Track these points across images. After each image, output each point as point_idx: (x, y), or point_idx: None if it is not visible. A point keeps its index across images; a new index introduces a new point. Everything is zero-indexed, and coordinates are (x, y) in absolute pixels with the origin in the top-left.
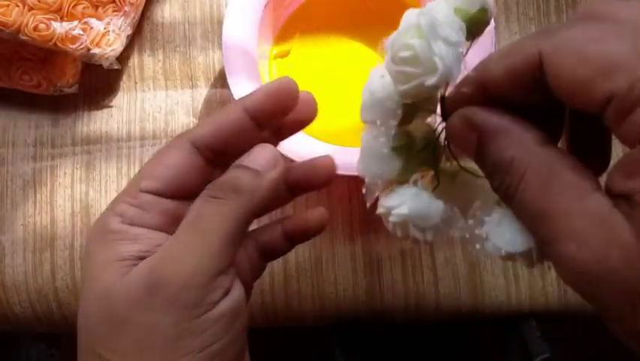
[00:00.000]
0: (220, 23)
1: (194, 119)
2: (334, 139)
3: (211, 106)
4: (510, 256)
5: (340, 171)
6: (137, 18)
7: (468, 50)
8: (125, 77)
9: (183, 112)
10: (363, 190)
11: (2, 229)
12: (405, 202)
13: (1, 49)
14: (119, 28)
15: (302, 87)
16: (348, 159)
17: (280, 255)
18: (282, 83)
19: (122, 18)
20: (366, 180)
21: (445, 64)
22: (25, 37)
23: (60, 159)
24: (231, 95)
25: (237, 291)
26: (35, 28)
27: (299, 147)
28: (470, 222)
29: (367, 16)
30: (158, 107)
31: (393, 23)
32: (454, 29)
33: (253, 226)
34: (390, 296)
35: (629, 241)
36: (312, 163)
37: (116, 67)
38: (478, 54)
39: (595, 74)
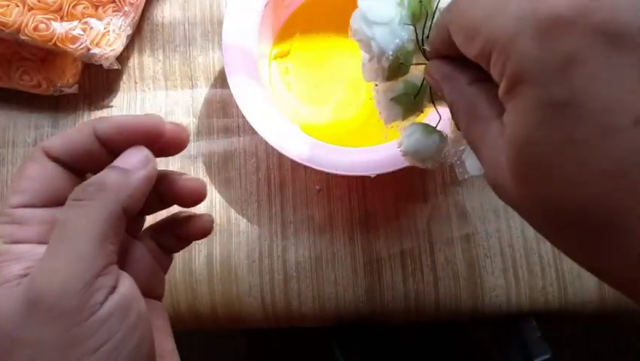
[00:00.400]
0: (220, 23)
1: (194, 119)
2: (334, 139)
3: (211, 106)
4: (476, 178)
5: (340, 171)
6: (137, 18)
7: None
8: (125, 77)
9: (183, 112)
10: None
11: None
12: (403, 141)
13: (1, 49)
14: (119, 28)
15: (301, 87)
16: (347, 158)
17: (179, 249)
18: (141, 119)
19: (122, 18)
20: (386, 125)
21: (378, 44)
22: (25, 38)
23: None
24: (231, 95)
25: (125, 287)
26: (35, 28)
27: (299, 146)
28: (453, 151)
29: None
30: (158, 107)
31: None
32: (386, 12)
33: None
34: (390, 296)
35: (502, 161)
36: (182, 182)
37: (116, 67)
38: None
39: (465, 39)
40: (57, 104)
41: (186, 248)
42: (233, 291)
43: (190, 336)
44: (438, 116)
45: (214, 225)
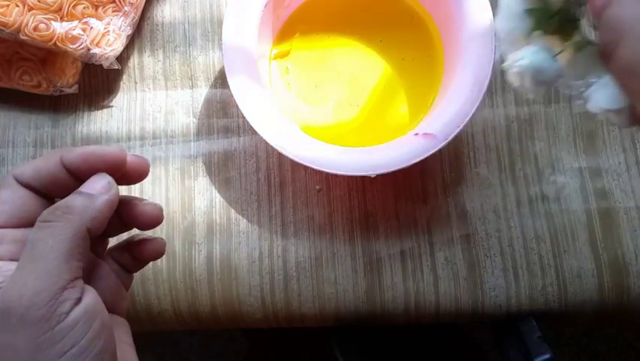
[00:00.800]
0: (220, 23)
1: (194, 119)
2: (334, 139)
3: (211, 106)
4: (606, 113)
5: (340, 172)
6: (137, 18)
7: None
8: (125, 77)
9: (183, 112)
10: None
11: None
12: (527, 56)
13: (1, 49)
14: (119, 28)
15: (301, 87)
16: (347, 158)
17: (137, 270)
18: (104, 150)
19: (122, 18)
20: (501, 35)
21: None
22: (25, 38)
23: None
24: (231, 95)
25: (89, 298)
26: (35, 28)
27: (299, 147)
28: (579, 82)
29: (368, 17)
30: (158, 107)
31: (393, 24)
32: None
33: None
34: (390, 296)
35: None
36: (141, 206)
37: (116, 67)
38: (476, 56)
39: None
40: (57, 104)
41: (186, 248)
42: (233, 291)
43: (190, 336)
44: (562, 47)
45: (215, 228)
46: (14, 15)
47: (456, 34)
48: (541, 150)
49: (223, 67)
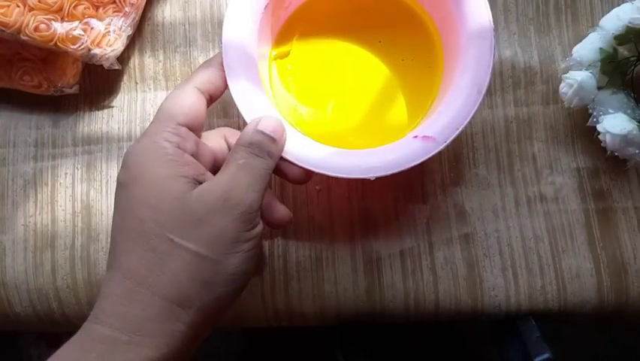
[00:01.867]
0: (220, 24)
1: None
2: (333, 140)
3: (211, 106)
4: (605, 134)
5: (341, 175)
6: (137, 18)
7: None
8: (125, 78)
9: None
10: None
11: (3, 229)
12: (580, 75)
13: (1, 49)
14: (120, 29)
15: (301, 89)
16: (347, 161)
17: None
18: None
19: (123, 18)
20: (574, 55)
21: None
22: (25, 38)
23: (61, 159)
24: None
25: (261, 224)
26: (36, 29)
27: (298, 149)
28: (602, 108)
29: (367, 18)
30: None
31: (392, 24)
32: None
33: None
34: (390, 296)
35: None
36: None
37: (116, 67)
38: (475, 57)
39: None
40: (58, 105)
41: None
42: None
43: None
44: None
45: None
46: (15, 15)
47: (455, 35)
48: (540, 151)
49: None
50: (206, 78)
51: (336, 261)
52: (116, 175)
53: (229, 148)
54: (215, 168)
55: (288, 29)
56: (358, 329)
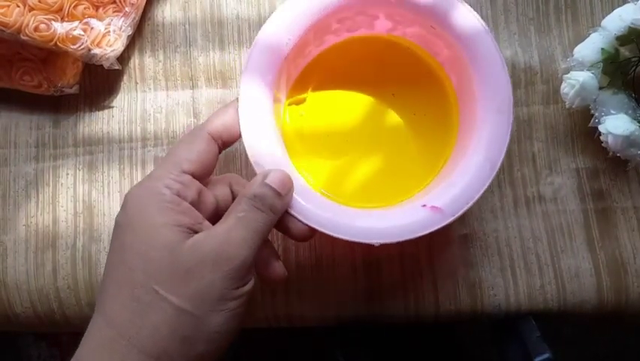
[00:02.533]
0: (220, 24)
1: (195, 120)
2: (341, 192)
3: (212, 106)
4: (607, 135)
5: (346, 237)
6: (137, 18)
7: None
8: (125, 78)
9: (184, 112)
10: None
11: (4, 229)
12: (582, 76)
13: (1, 49)
14: (120, 29)
15: (312, 136)
16: (353, 223)
17: None
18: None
19: (123, 18)
20: (576, 55)
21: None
22: (25, 38)
23: (62, 160)
24: (231, 94)
25: (253, 280)
26: (36, 29)
27: (304, 204)
28: (603, 108)
29: (385, 71)
30: (158, 108)
31: (409, 80)
32: None
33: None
34: (390, 296)
35: None
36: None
37: (116, 67)
38: (491, 132)
39: None
40: (58, 105)
41: None
42: None
43: None
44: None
45: None
46: (15, 15)
47: (473, 102)
48: (540, 151)
49: (223, 67)
50: (221, 124)
51: (336, 261)
52: (117, 176)
53: (233, 197)
54: (216, 217)
55: (306, 76)
56: (358, 329)
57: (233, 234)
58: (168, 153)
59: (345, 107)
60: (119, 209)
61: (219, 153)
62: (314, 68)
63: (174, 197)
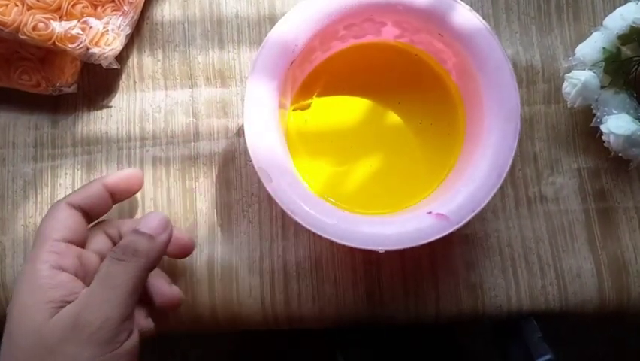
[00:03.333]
0: (220, 22)
1: (194, 119)
2: (344, 198)
3: (211, 105)
4: (609, 135)
5: (350, 243)
6: (136, 17)
7: None
8: (124, 77)
9: (183, 111)
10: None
11: (3, 230)
12: (585, 75)
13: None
14: (119, 28)
15: (316, 142)
16: (358, 230)
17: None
18: (134, 173)
19: (122, 17)
20: (578, 54)
21: None
22: (24, 37)
23: (60, 160)
24: (230, 94)
25: (136, 334)
26: (34, 28)
27: (308, 210)
28: (605, 108)
29: (391, 78)
30: (157, 107)
31: (416, 87)
32: None
33: None
34: (390, 296)
35: None
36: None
37: (115, 66)
38: (498, 140)
39: None
40: (56, 104)
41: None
42: (233, 291)
43: (190, 336)
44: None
45: (216, 229)
46: (13, 14)
47: (481, 110)
48: (541, 151)
49: (222, 67)
50: (79, 196)
51: (335, 261)
52: None
53: (114, 242)
54: None
55: (311, 82)
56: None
57: (92, 297)
58: (36, 233)
59: (350, 113)
60: (118, 210)
61: (90, 221)
62: (320, 74)
63: (50, 271)
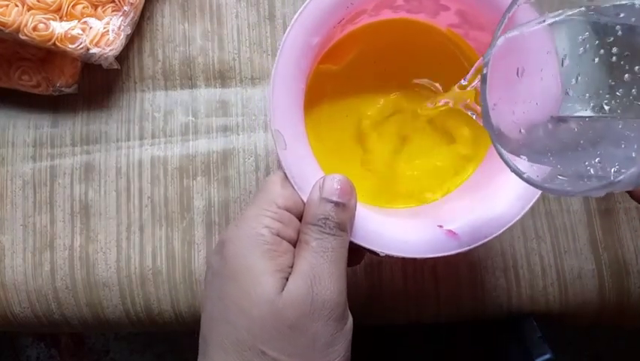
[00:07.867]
0: (219, 23)
1: (194, 119)
2: (362, 194)
3: (210, 105)
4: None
5: (353, 239)
6: (136, 18)
7: None
8: (124, 77)
9: (182, 112)
10: None
11: (2, 229)
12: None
13: (0, 49)
14: (119, 28)
15: (330, 137)
16: (363, 225)
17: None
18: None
19: (122, 18)
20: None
21: None
22: (24, 37)
23: (60, 159)
24: (230, 93)
25: (350, 315)
26: (34, 28)
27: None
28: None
29: (424, 65)
30: (157, 107)
31: (450, 83)
32: None
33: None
34: (391, 296)
35: None
36: None
37: (115, 67)
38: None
39: None
40: (57, 104)
41: (186, 248)
42: None
43: (190, 336)
44: None
45: (213, 227)
46: (13, 15)
47: None
48: None
49: (222, 67)
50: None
51: None
52: (114, 175)
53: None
54: None
55: (343, 45)
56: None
57: (318, 272)
58: (258, 190)
59: (370, 98)
60: (115, 208)
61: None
62: (355, 39)
63: (274, 237)
